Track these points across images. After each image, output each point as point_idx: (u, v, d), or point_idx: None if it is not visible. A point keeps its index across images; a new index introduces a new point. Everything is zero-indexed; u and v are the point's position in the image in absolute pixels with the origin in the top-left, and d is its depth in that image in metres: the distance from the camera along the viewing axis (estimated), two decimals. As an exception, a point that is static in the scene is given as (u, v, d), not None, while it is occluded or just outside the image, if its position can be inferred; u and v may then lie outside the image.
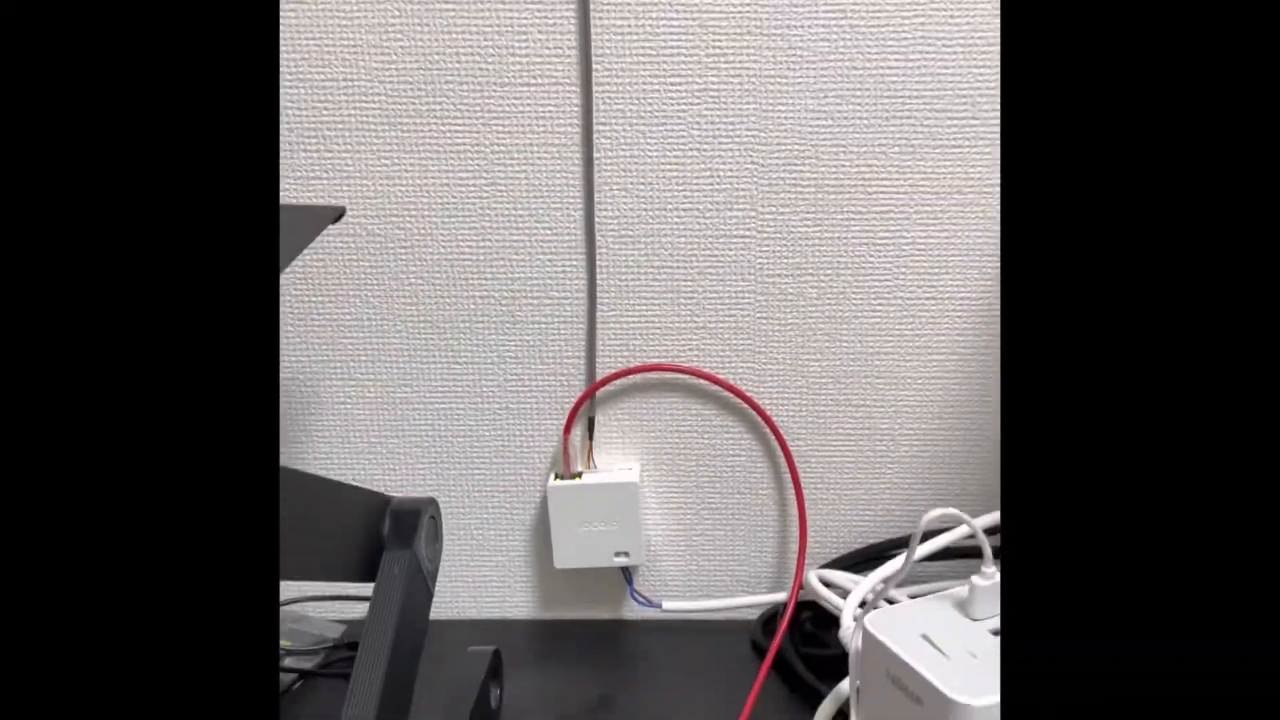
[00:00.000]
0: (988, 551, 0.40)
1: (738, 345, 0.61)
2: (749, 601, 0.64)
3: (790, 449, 0.62)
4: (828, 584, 0.60)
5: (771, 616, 0.64)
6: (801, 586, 0.61)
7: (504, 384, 0.63)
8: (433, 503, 0.50)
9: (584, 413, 0.63)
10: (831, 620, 0.62)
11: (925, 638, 0.40)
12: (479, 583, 0.67)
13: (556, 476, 0.63)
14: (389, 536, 0.48)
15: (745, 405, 0.62)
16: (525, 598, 0.67)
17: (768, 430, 0.62)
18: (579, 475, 0.63)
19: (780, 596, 0.63)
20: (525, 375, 0.62)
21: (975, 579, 0.40)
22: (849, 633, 0.49)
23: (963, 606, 0.41)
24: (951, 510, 0.41)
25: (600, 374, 0.62)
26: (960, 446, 0.63)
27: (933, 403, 0.62)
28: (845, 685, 0.52)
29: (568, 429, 0.62)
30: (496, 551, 0.66)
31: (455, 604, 0.67)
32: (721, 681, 0.59)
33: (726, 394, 0.62)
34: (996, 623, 0.40)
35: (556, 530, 0.62)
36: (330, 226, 0.52)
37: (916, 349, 0.61)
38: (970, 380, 0.62)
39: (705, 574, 0.65)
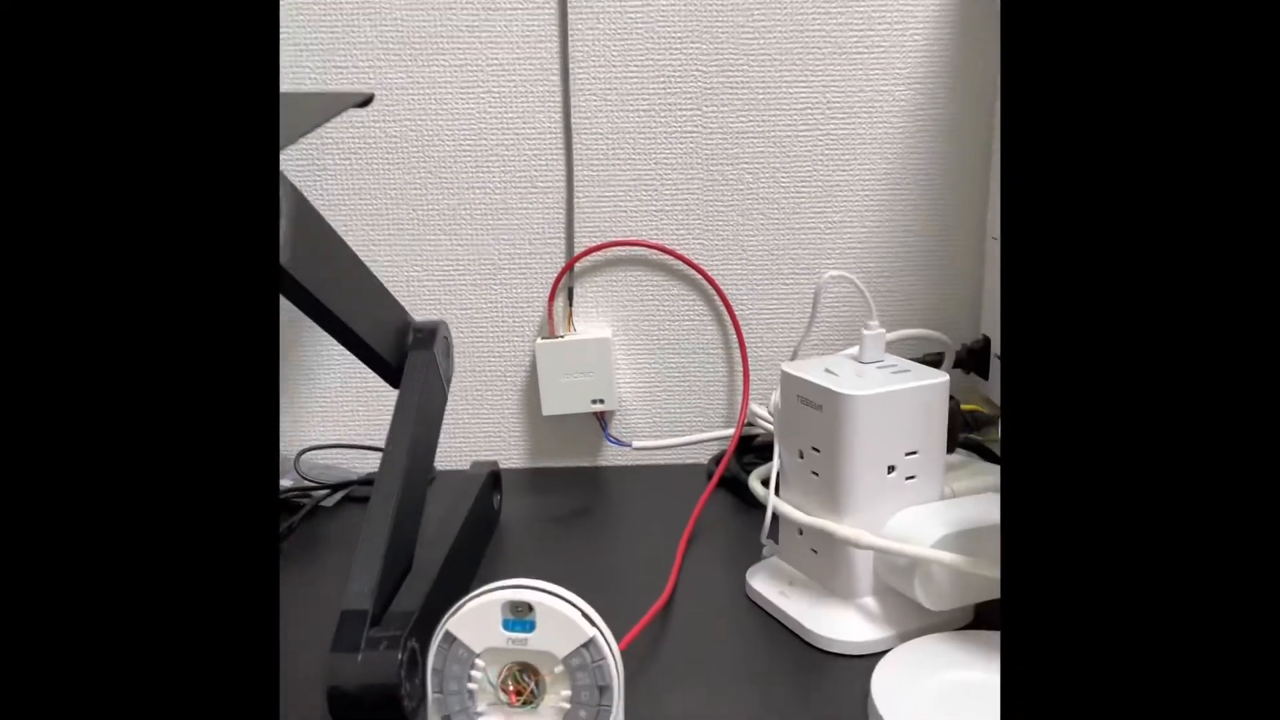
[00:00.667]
0: (872, 306, 0.54)
1: (690, 224, 0.75)
2: (704, 437, 0.77)
3: (735, 311, 0.76)
4: (763, 419, 0.73)
5: (721, 454, 0.78)
6: (746, 422, 0.74)
7: (498, 262, 0.76)
8: (446, 324, 0.63)
9: (564, 284, 0.76)
10: (770, 450, 0.75)
11: (826, 370, 0.53)
12: (479, 436, 0.79)
13: (543, 338, 0.76)
14: (412, 345, 0.61)
15: (698, 275, 0.76)
16: (518, 448, 0.80)
17: (716, 296, 0.76)
18: (561, 337, 0.76)
19: (729, 431, 0.76)
20: (515, 254, 0.76)
21: (864, 330, 0.54)
22: (775, 406, 0.62)
23: (855, 353, 0.55)
24: (843, 272, 0.55)
25: (577, 250, 0.75)
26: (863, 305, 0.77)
27: (851, 269, 0.76)
28: (775, 460, 0.65)
29: (551, 298, 0.76)
30: (494, 407, 0.79)
31: (458, 456, 0.80)
32: (681, 499, 0.72)
33: (682, 266, 0.76)
34: (882, 363, 0.54)
35: (544, 382, 0.75)
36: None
37: (832, 225, 0.75)
38: (873, 253, 0.76)
39: (667, 418, 0.79)
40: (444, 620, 0.42)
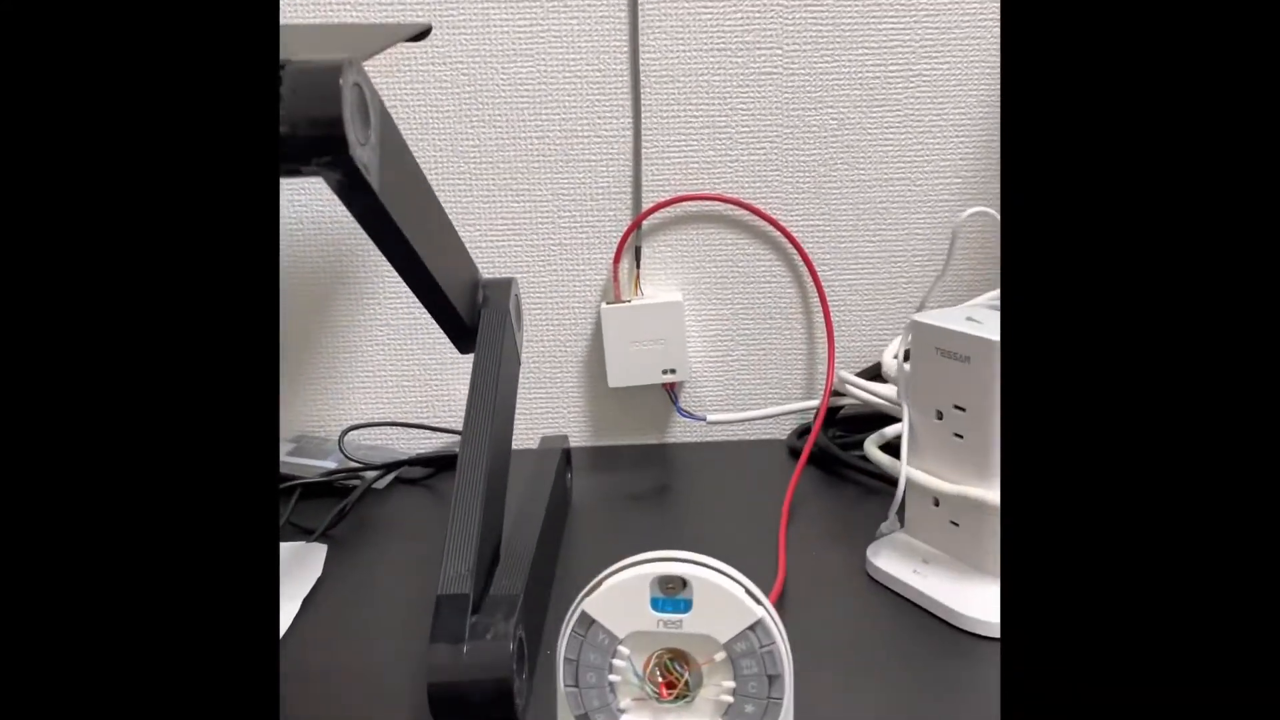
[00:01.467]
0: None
1: (768, 176, 0.70)
2: (785, 409, 0.71)
3: (817, 272, 0.70)
4: (855, 385, 0.68)
5: (805, 430, 0.72)
6: (833, 391, 0.69)
7: (557, 220, 0.70)
8: (517, 281, 0.57)
9: (631, 244, 0.70)
10: (860, 423, 0.70)
11: (968, 319, 0.48)
12: (538, 411, 0.74)
13: (608, 303, 0.70)
14: (484, 304, 0.55)
15: (776, 232, 0.70)
16: (581, 423, 0.74)
17: (796, 255, 0.71)
18: (628, 302, 0.70)
19: (813, 403, 0.71)
20: (577, 211, 0.70)
21: (1004, 276, 0.49)
22: (891, 368, 0.57)
23: (994, 304, 0.50)
24: (985, 209, 0.49)
25: (645, 205, 0.70)
26: (966, 264, 0.72)
27: (941, 224, 0.70)
28: (889, 428, 0.60)
29: (617, 259, 0.70)
30: (554, 380, 0.73)
31: (520, 437, 0.73)
32: (765, 477, 0.67)
33: (759, 222, 0.70)
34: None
35: (610, 351, 0.69)
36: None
37: (926, 174, 0.70)
38: (972, 202, 0.70)
39: (743, 390, 0.73)
40: (579, 600, 0.36)
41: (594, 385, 0.73)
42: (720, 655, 0.35)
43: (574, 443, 0.74)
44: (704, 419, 0.71)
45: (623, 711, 0.36)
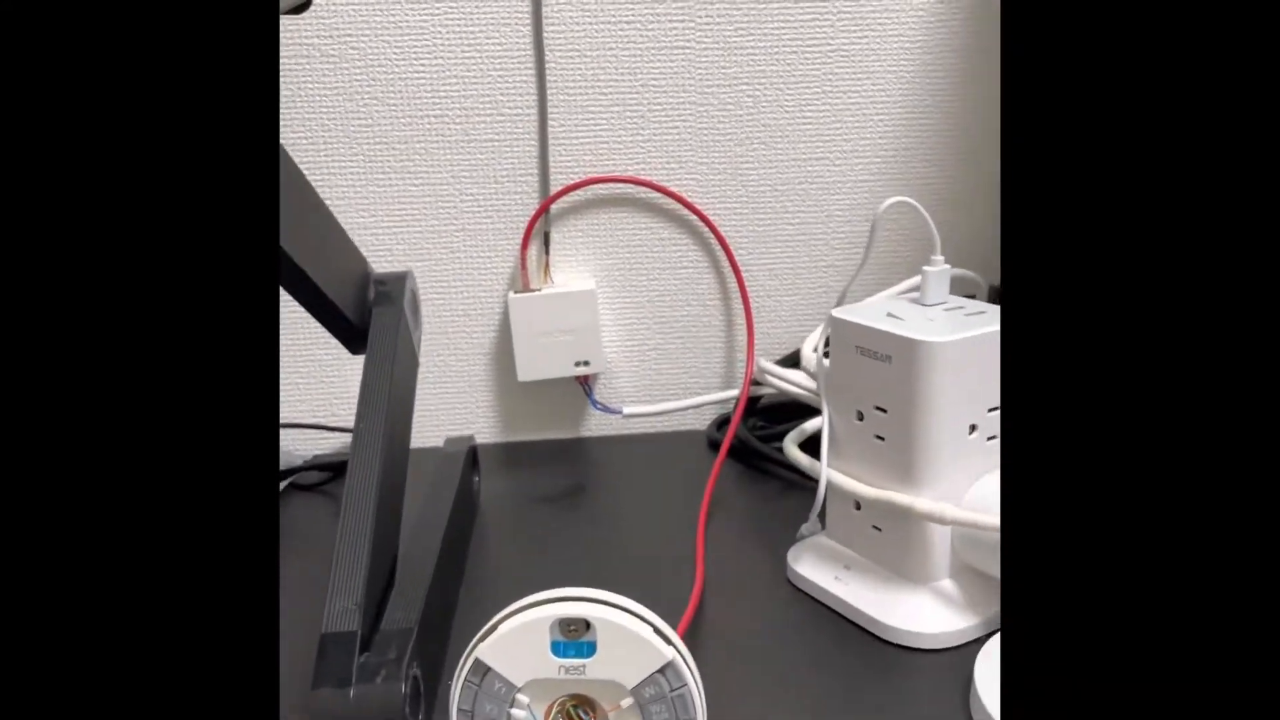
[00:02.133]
0: (936, 237, 0.46)
1: (682, 156, 0.67)
2: (704, 400, 0.69)
3: (735, 256, 0.68)
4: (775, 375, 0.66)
5: (725, 420, 0.70)
6: (753, 380, 0.67)
7: (459, 204, 0.66)
8: (412, 275, 0.54)
9: (539, 229, 0.67)
10: (782, 413, 0.68)
11: (889, 314, 0.46)
12: (442, 408, 0.70)
13: (515, 292, 0.66)
14: (375, 300, 0.51)
15: (692, 215, 0.67)
16: (489, 421, 0.71)
17: (713, 239, 0.68)
18: (537, 290, 0.67)
19: (733, 392, 0.69)
20: (480, 195, 0.66)
21: (925, 268, 0.47)
22: (811, 362, 0.55)
23: (916, 295, 0.48)
24: (906, 199, 0.47)
25: (553, 189, 0.66)
26: (886, 247, 0.70)
27: (861, 206, 0.69)
28: (808, 423, 0.58)
29: (524, 245, 0.66)
30: (459, 376, 0.69)
31: (421, 433, 0.70)
32: (684, 472, 0.64)
33: (674, 204, 0.67)
34: (948, 304, 0.47)
35: (519, 343, 0.66)
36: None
37: (845, 154, 0.68)
38: (893, 185, 0.68)
39: (660, 381, 0.71)
40: (472, 646, 0.33)
41: (502, 379, 0.70)
42: (627, 701, 0.32)
43: (482, 440, 0.71)
44: (620, 412, 0.69)
45: (523, 765, 0.33)
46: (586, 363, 0.67)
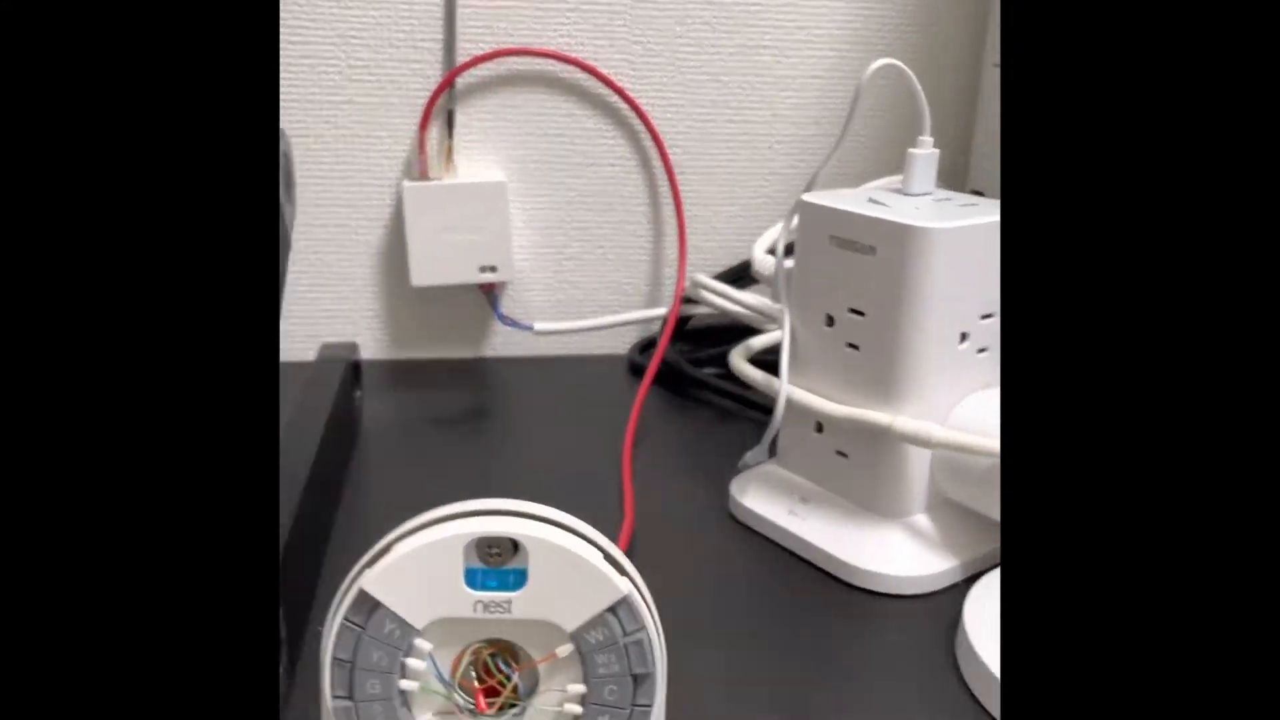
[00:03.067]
0: (926, 119, 0.40)
1: (614, 32, 0.58)
2: (627, 318, 0.62)
3: (669, 155, 0.61)
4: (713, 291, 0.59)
5: (649, 344, 0.63)
6: (684, 298, 0.60)
7: (346, 70, 0.56)
8: (286, 137, 0.44)
9: (442, 106, 0.58)
10: (712, 337, 0.62)
11: (871, 200, 0.40)
12: (319, 314, 0.60)
13: (411, 180, 0.57)
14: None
15: (622, 103, 0.59)
16: (375, 332, 0.61)
17: (645, 133, 0.60)
18: (438, 180, 0.58)
19: (659, 311, 0.62)
20: (371, 61, 0.56)
21: (912, 150, 0.40)
22: (765, 265, 0.48)
23: (901, 183, 0.42)
24: (894, 61, 0.40)
25: (460, 59, 0.57)
26: (854, 142, 0.64)
27: (810, 106, 0.62)
28: (755, 339, 0.52)
29: (423, 125, 0.57)
30: (339, 277, 0.60)
31: (293, 346, 0.60)
32: (603, 398, 0.57)
33: (602, 89, 0.59)
34: (935, 195, 0.41)
35: (414, 241, 0.57)
36: None
37: (797, 43, 0.61)
38: (848, 82, 0.62)
39: (577, 295, 0.63)
40: (353, 575, 0.25)
41: (392, 284, 0.61)
42: (565, 649, 0.25)
43: (367, 355, 0.62)
44: (530, 328, 0.60)
45: (421, 732, 0.26)
46: (493, 268, 0.59)
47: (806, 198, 0.40)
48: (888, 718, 0.32)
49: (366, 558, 0.25)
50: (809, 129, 0.62)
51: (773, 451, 0.45)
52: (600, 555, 0.25)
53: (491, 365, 0.62)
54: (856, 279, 0.39)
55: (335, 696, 0.25)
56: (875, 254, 0.37)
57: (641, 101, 0.59)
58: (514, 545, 0.24)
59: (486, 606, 0.24)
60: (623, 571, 0.25)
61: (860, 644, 0.36)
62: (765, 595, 0.39)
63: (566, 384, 0.59)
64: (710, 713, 0.32)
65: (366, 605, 0.24)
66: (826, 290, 0.40)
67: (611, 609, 0.24)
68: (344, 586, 0.25)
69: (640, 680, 0.25)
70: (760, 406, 0.54)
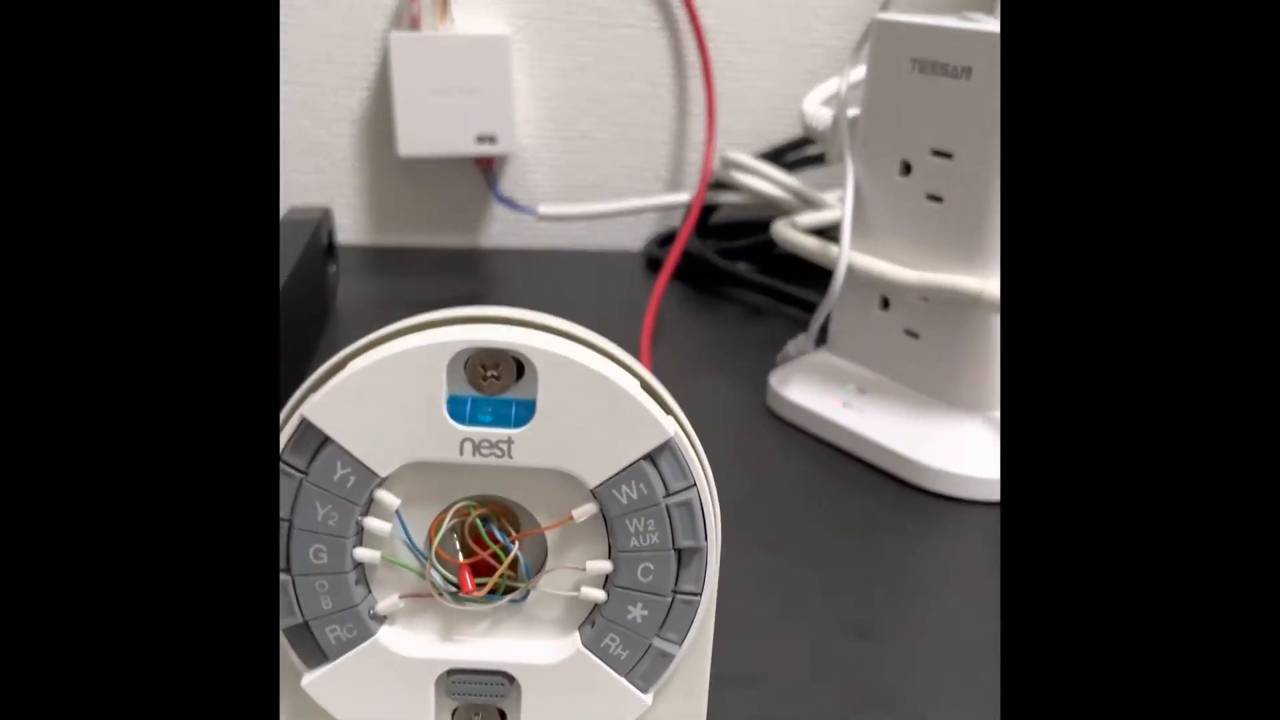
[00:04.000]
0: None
1: None
2: (646, 204, 0.55)
3: (700, 18, 0.54)
4: (750, 170, 0.52)
5: (667, 239, 0.57)
6: (712, 182, 0.53)
7: (326, -104, 0.49)
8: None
9: (437, -55, 0.51)
10: (738, 232, 0.55)
11: (962, 17, 0.33)
12: (289, 190, 0.53)
13: (399, 30, 0.50)
14: None
15: (645, -48, 0.53)
16: (354, 212, 0.55)
17: (672, -11, 0.53)
18: (431, 31, 0.51)
19: (681, 197, 0.55)
20: (357, -115, 0.49)
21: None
22: (820, 118, 0.41)
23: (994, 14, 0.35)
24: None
25: (461, -113, 0.50)
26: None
27: (865, -35, 0.55)
28: (802, 216, 0.45)
29: (416, -35, 0.50)
30: (314, 143, 0.53)
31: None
32: (617, 295, 0.50)
33: (623, -67, 0.52)
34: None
35: (402, 103, 0.50)
36: None
37: (852, -110, 0.54)
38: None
39: (589, 176, 0.56)
40: (295, 399, 0.19)
41: (376, 155, 0.54)
42: (586, 511, 0.19)
43: (344, 239, 0.55)
44: (534, 211, 0.54)
45: (382, 619, 0.19)
46: (492, 138, 0.52)
47: (882, 15, 0.33)
48: (957, 635, 0.27)
49: (312, 379, 0.18)
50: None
51: (821, 340, 0.39)
52: (637, 384, 0.18)
53: (488, 256, 0.56)
54: (944, 112, 0.32)
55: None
56: (970, 77, 0.31)
57: (669, -49, 0.53)
58: (518, 366, 0.18)
59: (478, 448, 0.18)
60: (666, 409, 0.19)
61: (926, 554, 0.30)
62: (814, 499, 0.33)
63: (573, 279, 0.53)
64: (759, 625, 0.26)
65: (310, 442, 0.18)
66: (903, 130, 0.33)
67: (650, 457, 0.18)
68: (282, 418, 0.18)
69: (686, 558, 0.18)
70: (801, 302, 0.48)
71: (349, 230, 0.55)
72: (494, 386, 0.18)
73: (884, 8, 0.35)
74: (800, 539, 0.31)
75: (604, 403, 0.18)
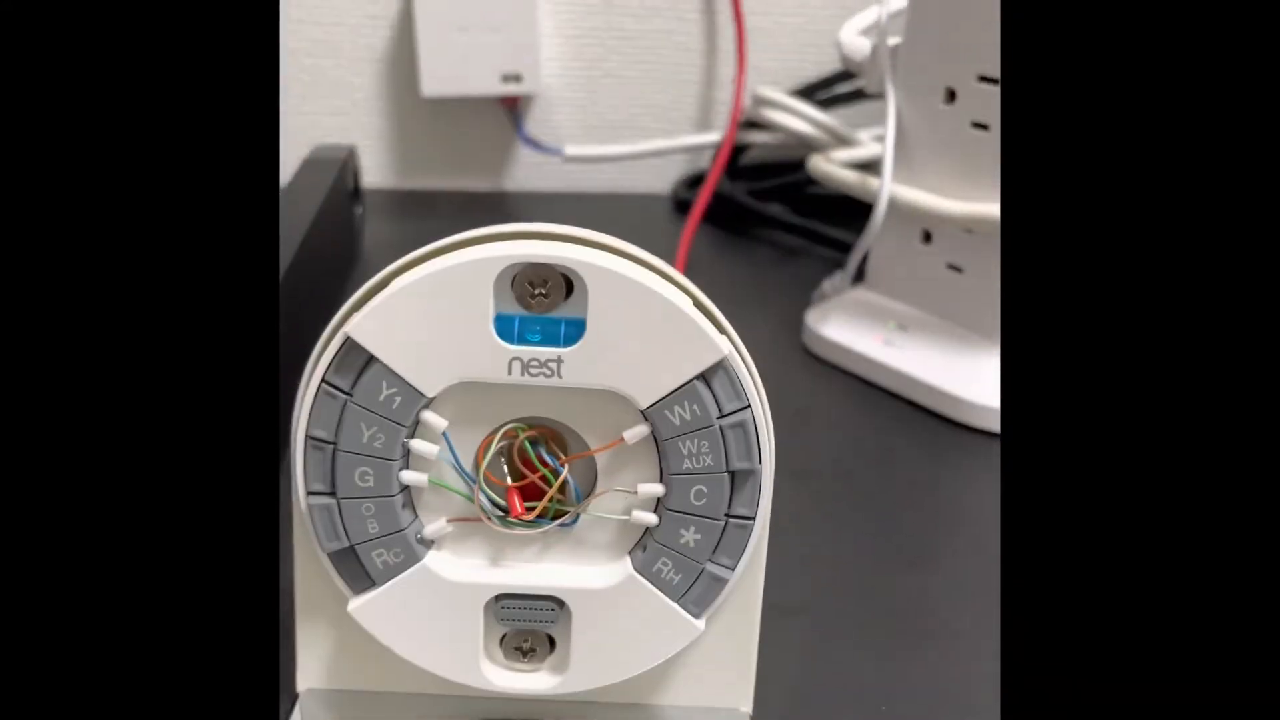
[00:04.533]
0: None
1: None
2: (676, 144, 0.54)
3: (727, -53, 0.53)
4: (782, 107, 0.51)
5: (696, 180, 0.56)
6: (743, 122, 0.52)
7: None
8: None
9: (459, -125, 0.50)
10: (769, 174, 0.54)
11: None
12: (309, 132, 0.52)
13: (422, -33, 0.50)
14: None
15: (673, -119, 0.51)
16: (377, 154, 0.54)
17: (700, -80, 0.52)
18: (452, -31, 0.50)
19: (711, 137, 0.54)
20: None
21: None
22: (857, 48, 0.40)
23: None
24: None
25: None
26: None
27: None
28: (838, 151, 0.44)
29: (437, -103, 0.49)
30: (333, 84, 0.52)
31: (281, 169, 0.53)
32: (646, 237, 0.49)
33: None
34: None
35: (425, 41, 0.49)
36: None
37: None
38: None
39: (617, 115, 0.55)
40: (338, 318, 0.18)
41: (400, 95, 0.53)
42: (637, 432, 0.18)
43: (368, 182, 0.55)
44: (560, 152, 0.53)
45: (429, 544, 0.19)
46: (518, 77, 0.51)
47: (927, -65, 0.32)
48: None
49: (356, 296, 0.18)
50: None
51: (859, 279, 0.38)
52: (689, 301, 0.18)
53: (514, 199, 0.55)
54: (991, 35, 0.31)
55: (311, 492, 0.18)
56: (1022, -5, 0.30)
57: (698, -120, 0.51)
58: (566, 283, 0.18)
59: (526, 367, 0.17)
60: (720, 329, 0.18)
61: (973, 490, 0.30)
62: (857, 436, 0.33)
63: (600, 222, 0.52)
64: (807, 556, 0.26)
65: (355, 362, 0.17)
66: (948, 54, 0.32)
67: (703, 377, 0.18)
68: (324, 338, 0.18)
69: (740, 481, 0.18)
70: (836, 243, 0.47)
71: (372, 173, 0.54)
72: (542, 305, 0.18)
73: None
74: (845, 475, 0.31)
75: (656, 321, 0.17)
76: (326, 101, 0.53)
